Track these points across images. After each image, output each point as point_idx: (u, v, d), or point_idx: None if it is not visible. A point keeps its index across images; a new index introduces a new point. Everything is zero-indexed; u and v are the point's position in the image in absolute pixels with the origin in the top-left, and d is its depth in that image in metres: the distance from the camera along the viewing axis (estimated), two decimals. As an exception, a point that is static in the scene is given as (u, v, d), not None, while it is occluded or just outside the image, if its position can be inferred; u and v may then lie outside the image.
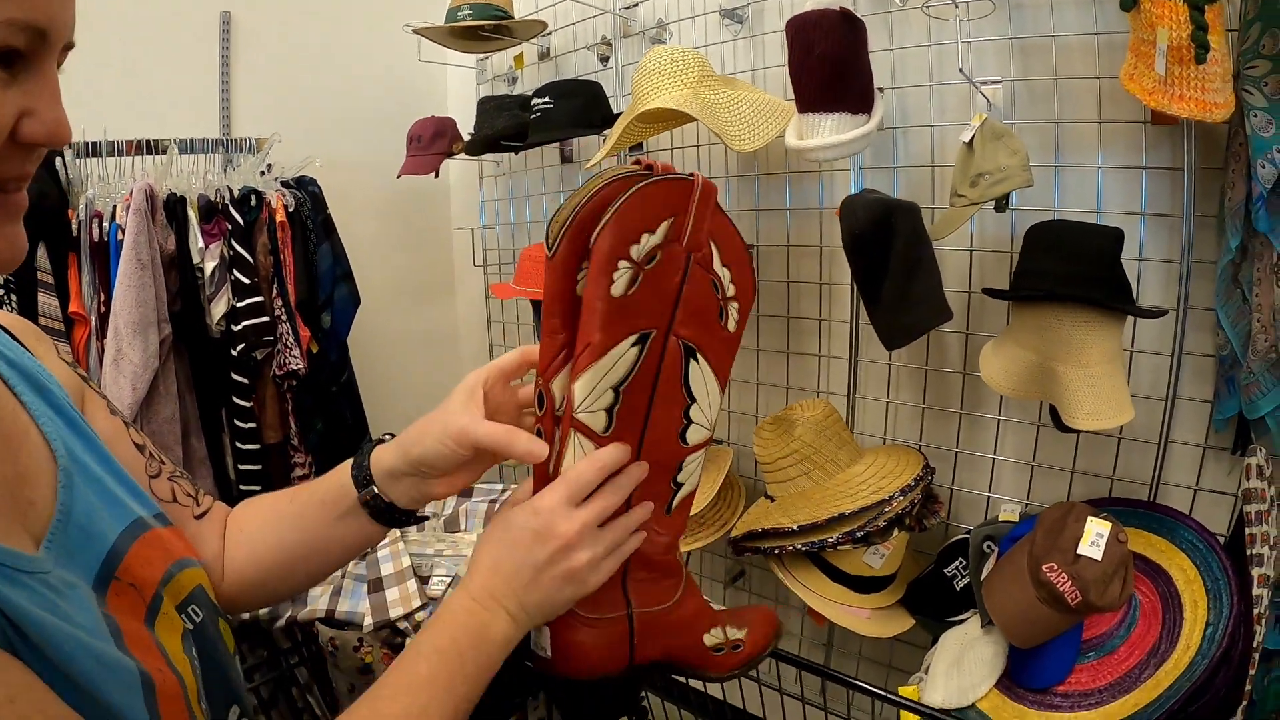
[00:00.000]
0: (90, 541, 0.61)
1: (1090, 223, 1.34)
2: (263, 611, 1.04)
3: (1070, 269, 1.27)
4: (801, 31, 1.47)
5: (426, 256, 2.72)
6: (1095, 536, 1.29)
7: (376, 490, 0.74)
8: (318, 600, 1.02)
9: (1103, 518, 1.31)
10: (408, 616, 1.00)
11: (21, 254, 0.52)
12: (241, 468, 1.95)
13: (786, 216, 1.86)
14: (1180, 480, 1.54)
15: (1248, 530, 1.41)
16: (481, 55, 2.26)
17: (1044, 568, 1.29)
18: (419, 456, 0.72)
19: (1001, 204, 1.45)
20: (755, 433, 1.62)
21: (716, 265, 0.67)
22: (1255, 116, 1.26)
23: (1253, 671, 1.45)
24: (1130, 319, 1.42)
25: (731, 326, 0.71)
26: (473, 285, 2.69)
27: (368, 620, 1.00)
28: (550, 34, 2.16)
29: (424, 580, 1.04)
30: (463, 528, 1.16)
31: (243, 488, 1.94)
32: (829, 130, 1.46)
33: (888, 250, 1.39)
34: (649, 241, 0.62)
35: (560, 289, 0.65)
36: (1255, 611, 1.46)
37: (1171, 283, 1.47)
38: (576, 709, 0.88)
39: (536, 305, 1.96)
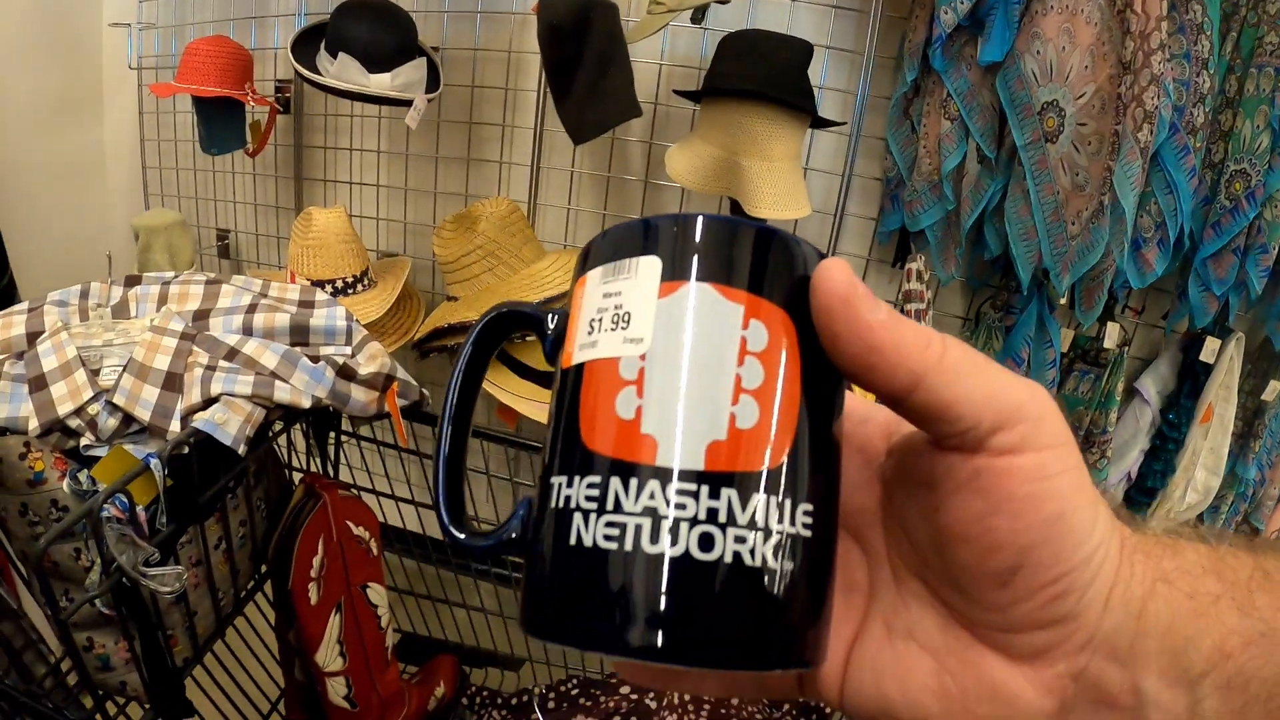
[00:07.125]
0: None
1: (781, 33, 1.41)
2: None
3: (762, 71, 1.35)
4: None
5: (72, 63, 2.13)
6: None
7: None
8: (-39, 409, 0.86)
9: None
10: (78, 411, 0.88)
11: None
12: None
13: (476, 20, 1.76)
14: (846, 288, 1.76)
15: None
16: None
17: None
18: None
19: (698, 16, 1.50)
20: (435, 233, 1.53)
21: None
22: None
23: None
24: (806, 137, 1.54)
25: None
26: (124, 100, 2.20)
27: (33, 423, 0.86)
28: None
29: (94, 373, 0.92)
30: (133, 314, 1.02)
31: None
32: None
33: (583, 44, 1.38)
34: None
35: None
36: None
37: (848, 111, 1.62)
38: None
39: (199, 104, 1.70)
